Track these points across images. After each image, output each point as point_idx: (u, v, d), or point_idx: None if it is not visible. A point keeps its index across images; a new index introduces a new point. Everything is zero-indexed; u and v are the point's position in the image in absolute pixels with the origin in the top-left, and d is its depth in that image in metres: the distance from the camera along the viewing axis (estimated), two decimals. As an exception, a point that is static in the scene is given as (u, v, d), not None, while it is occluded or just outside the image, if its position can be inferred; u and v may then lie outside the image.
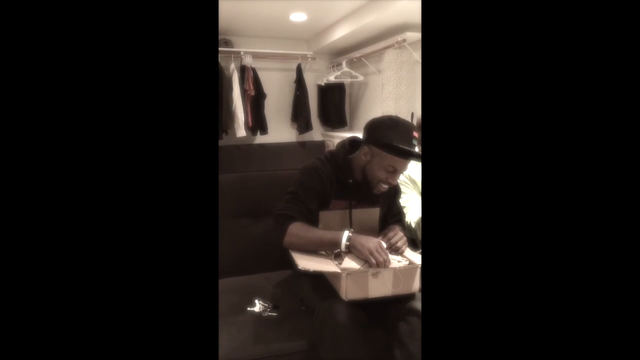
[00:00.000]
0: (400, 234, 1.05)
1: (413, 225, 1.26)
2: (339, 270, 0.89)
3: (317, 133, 3.87)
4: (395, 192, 1.21)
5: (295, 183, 1.07)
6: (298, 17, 2.82)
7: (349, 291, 0.88)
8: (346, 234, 0.95)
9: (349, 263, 0.92)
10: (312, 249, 1.01)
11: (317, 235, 0.99)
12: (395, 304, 0.95)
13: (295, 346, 0.95)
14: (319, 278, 1.00)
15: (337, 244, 0.95)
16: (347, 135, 3.34)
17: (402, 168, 1.05)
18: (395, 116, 1.08)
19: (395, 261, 0.95)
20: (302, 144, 3.72)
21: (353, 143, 1.15)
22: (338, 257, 0.99)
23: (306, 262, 0.91)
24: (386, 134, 1.01)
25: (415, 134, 1.03)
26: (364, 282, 0.89)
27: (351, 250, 0.94)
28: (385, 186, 1.06)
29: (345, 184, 1.09)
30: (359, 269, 0.89)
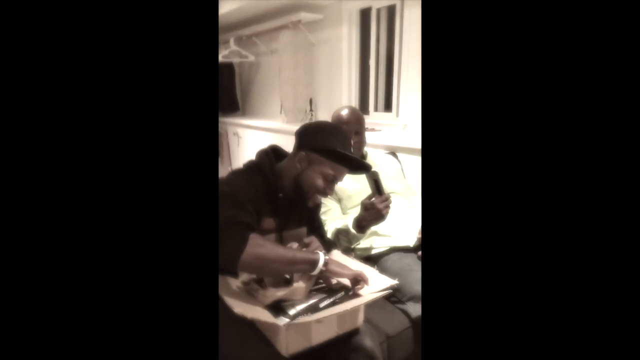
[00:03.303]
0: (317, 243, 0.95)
1: (330, 235, 1.18)
2: (277, 323, 0.73)
3: (206, 119, 3.48)
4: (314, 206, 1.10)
5: (229, 185, 0.86)
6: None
7: (290, 345, 0.73)
8: (322, 255, 0.80)
9: (271, 292, 0.78)
10: (279, 270, 0.81)
11: (289, 253, 0.80)
12: (337, 344, 0.84)
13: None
14: (248, 326, 0.83)
15: (313, 264, 0.79)
16: (242, 121, 3.12)
17: (341, 177, 0.94)
18: (328, 122, 0.99)
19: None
20: (190, 132, 3.30)
21: (276, 152, 0.98)
22: (258, 283, 0.82)
23: (242, 306, 0.73)
24: (328, 140, 0.90)
25: (352, 141, 0.94)
26: (306, 331, 0.75)
27: (325, 274, 0.80)
28: (321, 197, 0.95)
29: (275, 199, 0.92)
30: (301, 321, 0.74)
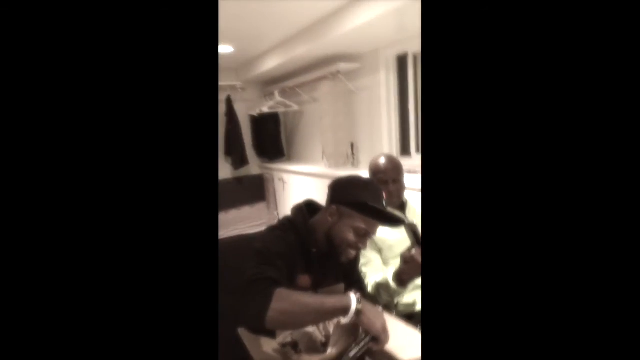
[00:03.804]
0: None
1: (370, 289, 1.14)
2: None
3: (253, 166, 3.65)
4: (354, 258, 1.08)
5: (261, 242, 0.87)
6: (224, 49, 2.62)
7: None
8: (354, 298, 0.75)
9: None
10: (309, 322, 0.79)
11: (317, 301, 0.76)
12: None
13: None
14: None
15: (345, 309, 0.74)
16: (287, 167, 3.23)
17: (374, 231, 0.92)
18: (360, 176, 0.98)
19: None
20: (239, 180, 3.47)
21: (310, 207, 0.99)
22: (293, 348, 0.80)
23: None
24: (359, 193, 0.90)
25: (385, 195, 0.93)
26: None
27: (358, 319, 0.75)
28: (354, 252, 0.92)
29: (309, 255, 0.92)
30: None
